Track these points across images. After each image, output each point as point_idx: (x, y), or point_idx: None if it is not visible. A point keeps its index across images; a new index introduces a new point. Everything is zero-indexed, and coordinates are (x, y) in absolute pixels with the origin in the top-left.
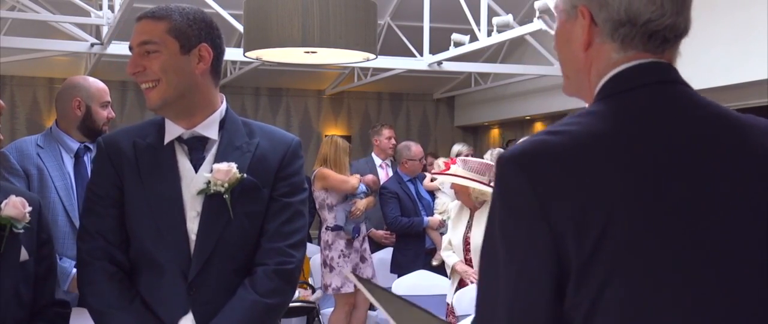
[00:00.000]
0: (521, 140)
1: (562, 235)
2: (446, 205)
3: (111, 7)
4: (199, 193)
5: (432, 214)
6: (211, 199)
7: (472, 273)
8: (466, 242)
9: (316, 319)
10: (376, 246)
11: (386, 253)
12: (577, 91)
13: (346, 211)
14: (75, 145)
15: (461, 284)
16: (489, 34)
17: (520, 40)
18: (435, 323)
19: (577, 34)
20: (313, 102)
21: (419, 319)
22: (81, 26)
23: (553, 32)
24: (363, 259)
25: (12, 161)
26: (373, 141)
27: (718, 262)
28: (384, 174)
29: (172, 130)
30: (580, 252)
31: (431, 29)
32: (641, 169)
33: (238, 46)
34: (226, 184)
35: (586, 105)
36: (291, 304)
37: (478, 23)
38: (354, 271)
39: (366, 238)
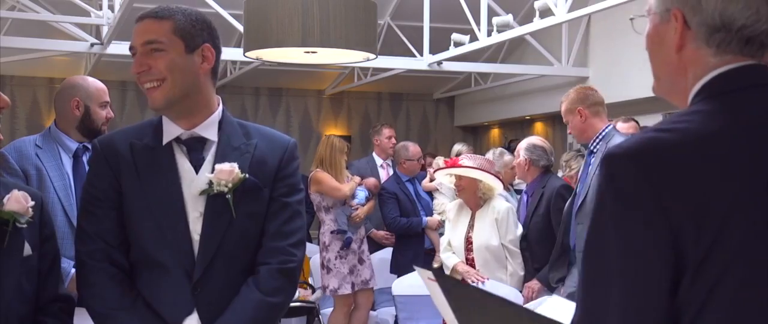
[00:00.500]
0: (627, 138)
1: (679, 230)
2: (444, 205)
3: (111, 7)
4: (201, 193)
5: (431, 215)
6: (213, 199)
7: (474, 273)
8: (468, 242)
9: (316, 319)
10: (376, 246)
11: (386, 254)
12: (668, 92)
13: (346, 215)
14: (74, 145)
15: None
16: (489, 33)
17: (520, 40)
18: (520, 313)
19: (670, 37)
20: (313, 102)
21: (493, 312)
22: (81, 26)
23: (643, 35)
24: (361, 261)
25: (11, 162)
26: (373, 141)
27: None
28: (385, 174)
29: (171, 131)
30: (698, 248)
31: (431, 29)
32: (757, 168)
33: (238, 46)
34: (229, 184)
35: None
36: (291, 304)
37: (478, 23)
38: (351, 273)
39: (365, 239)
